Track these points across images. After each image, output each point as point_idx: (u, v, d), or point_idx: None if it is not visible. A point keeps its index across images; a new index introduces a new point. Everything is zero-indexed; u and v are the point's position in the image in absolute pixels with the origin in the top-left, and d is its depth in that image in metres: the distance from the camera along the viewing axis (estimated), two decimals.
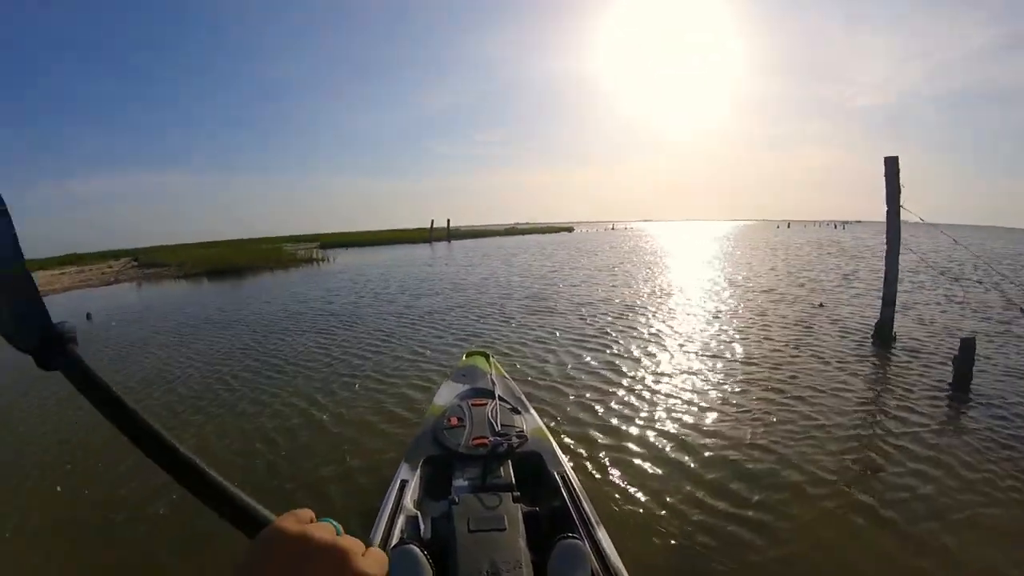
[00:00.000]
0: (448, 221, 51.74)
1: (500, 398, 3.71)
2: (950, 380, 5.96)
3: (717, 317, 9.85)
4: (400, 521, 2.45)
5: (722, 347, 7.74)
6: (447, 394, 3.97)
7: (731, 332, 8.62)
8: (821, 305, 10.68)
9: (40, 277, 32.10)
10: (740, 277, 15.50)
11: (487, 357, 4.79)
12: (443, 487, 2.76)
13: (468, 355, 4.99)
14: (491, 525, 2.22)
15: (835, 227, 79.23)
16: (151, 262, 32.17)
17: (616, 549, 2.31)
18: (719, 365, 6.91)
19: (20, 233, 0.54)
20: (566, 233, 65.89)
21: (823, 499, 3.76)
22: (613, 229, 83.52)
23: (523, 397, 4.00)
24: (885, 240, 7.68)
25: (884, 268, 7.83)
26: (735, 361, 7.07)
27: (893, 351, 7.31)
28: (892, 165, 7.42)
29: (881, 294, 7.94)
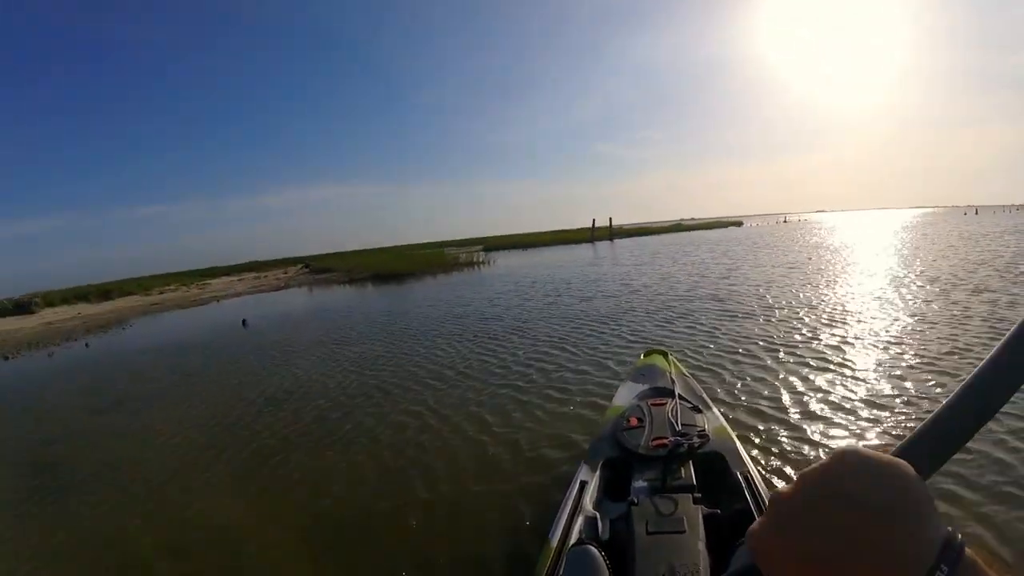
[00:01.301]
0: (610, 219, 50.57)
1: (680, 397, 3.57)
2: None
3: (932, 324, 8.00)
4: (579, 521, 2.44)
5: (937, 359, 6.17)
6: (626, 394, 3.89)
7: (952, 342, 6.70)
8: None
9: (220, 283, 34.71)
10: (949, 274, 13.26)
11: (666, 355, 4.59)
12: (622, 488, 2.71)
13: (647, 354, 4.75)
14: (670, 527, 2.17)
15: None
16: (321, 268, 33.72)
17: None
18: (931, 380, 5.51)
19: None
20: (735, 228, 62.43)
21: None
22: (786, 222, 78.42)
23: (704, 395, 3.85)
24: None
25: None
26: (951, 376, 5.57)
27: None
28: None
29: None
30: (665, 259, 23.16)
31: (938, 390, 5.21)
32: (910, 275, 13.42)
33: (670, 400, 3.48)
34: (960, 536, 0.39)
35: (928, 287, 11.36)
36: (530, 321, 10.34)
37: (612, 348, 7.72)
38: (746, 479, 2.68)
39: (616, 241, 43.97)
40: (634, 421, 3.23)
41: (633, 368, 4.50)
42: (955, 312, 8.46)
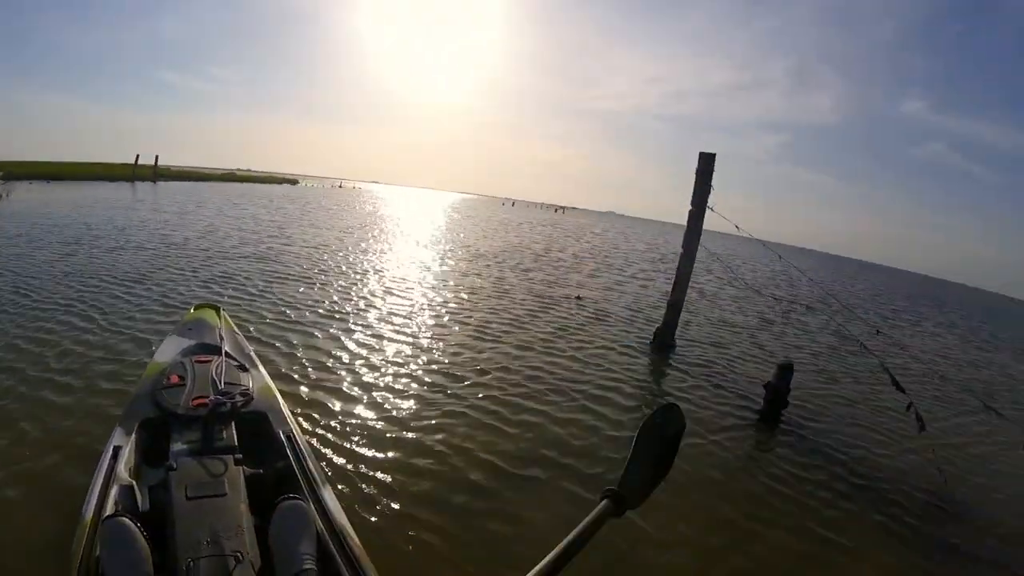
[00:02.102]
0: (156, 158, 45.37)
1: (227, 354, 3.50)
2: (756, 405, 5.60)
3: (468, 296, 9.31)
4: (114, 492, 2.21)
5: (475, 332, 7.21)
6: (170, 350, 3.62)
7: (484, 318, 8.04)
8: (579, 299, 10.08)
9: None
10: (490, 252, 15.01)
11: (217, 310, 4.43)
12: (162, 452, 2.55)
13: (197, 308, 4.51)
14: (211, 491, 2.13)
15: (555, 210, 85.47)
16: None
17: (343, 507, 2.32)
18: (467, 350, 6.44)
19: None
20: (290, 186, 61.88)
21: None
22: (341, 187, 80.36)
23: (252, 353, 3.81)
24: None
25: (676, 270, 7.31)
26: (484, 349, 6.57)
27: (678, 362, 6.90)
28: (707, 162, 6.82)
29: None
30: (213, 210, 21.32)
31: (468, 353, 6.21)
32: (458, 250, 14.68)
33: (216, 357, 3.38)
34: None
35: (474, 261, 12.53)
36: (40, 278, 8.07)
37: (144, 311, 6.70)
38: (288, 438, 2.75)
39: (160, 184, 39.23)
40: (175, 379, 3.06)
41: (181, 322, 4.24)
42: (496, 283, 9.46)
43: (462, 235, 20.50)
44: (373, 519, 3.15)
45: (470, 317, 7.85)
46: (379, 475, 3.62)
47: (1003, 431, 6.05)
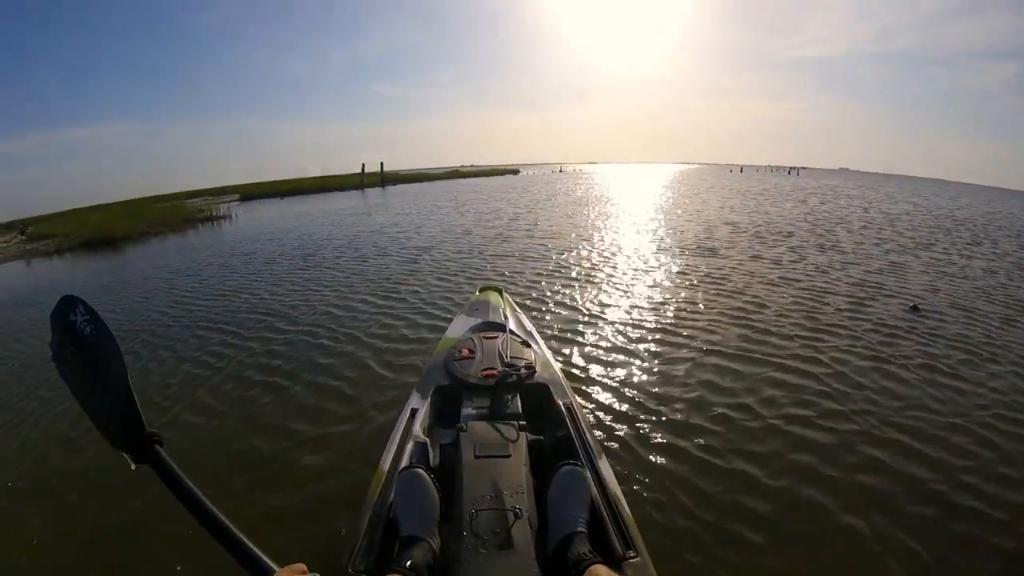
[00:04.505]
0: (381, 165, 46.50)
1: (511, 331, 3.57)
2: None
3: (757, 287, 7.60)
4: (409, 447, 2.40)
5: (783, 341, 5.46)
6: (459, 327, 3.80)
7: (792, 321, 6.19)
8: (915, 308, 6.55)
9: None
10: (754, 228, 12.96)
11: (500, 292, 4.55)
12: (453, 416, 2.71)
13: (482, 289, 4.71)
14: (496, 452, 2.19)
15: (787, 173, 77.72)
16: (40, 234, 25.10)
17: (617, 479, 2.26)
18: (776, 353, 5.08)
19: None
20: (512, 176, 61.99)
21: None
22: (561, 171, 79.67)
23: (533, 331, 3.89)
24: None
25: None
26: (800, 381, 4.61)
27: None
28: None
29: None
30: (446, 206, 21.14)
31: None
32: (720, 226, 13.47)
33: (501, 334, 3.46)
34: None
35: (742, 240, 11.09)
36: (289, 299, 7.57)
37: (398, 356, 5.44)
38: (568, 409, 2.75)
39: (388, 188, 40.02)
40: (465, 352, 3.19)
41: (468, 303, 4.42)
42: (785, 272, 8.23)
43: (709, 208, 18.13)
44: (643, 492, 3.06)
45: (770, 316, 6.20)
46: (654, 452, 3.45)
47: None
